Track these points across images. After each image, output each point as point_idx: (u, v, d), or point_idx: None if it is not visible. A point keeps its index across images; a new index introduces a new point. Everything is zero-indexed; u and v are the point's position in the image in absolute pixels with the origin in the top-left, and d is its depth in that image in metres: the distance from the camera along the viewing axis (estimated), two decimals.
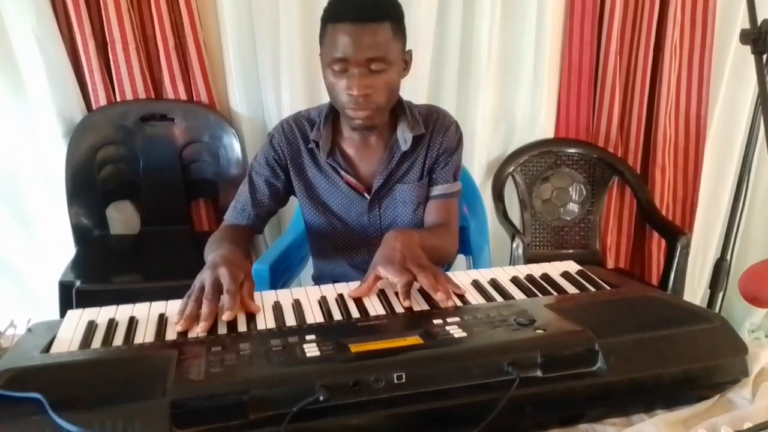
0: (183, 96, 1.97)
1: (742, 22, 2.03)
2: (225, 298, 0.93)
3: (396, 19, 1.13)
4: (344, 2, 1.11)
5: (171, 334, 0.88)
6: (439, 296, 0.95)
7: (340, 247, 1.34)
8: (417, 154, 1.28)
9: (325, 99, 1.25)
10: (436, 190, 1.31)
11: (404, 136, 1.25)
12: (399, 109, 1.27)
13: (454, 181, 1.32)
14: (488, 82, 2.08)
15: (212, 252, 1.08)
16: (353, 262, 1.34)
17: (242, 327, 0.90)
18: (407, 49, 1.20)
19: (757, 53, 0.92)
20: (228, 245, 1.11)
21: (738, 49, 2.09)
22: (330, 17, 1.12)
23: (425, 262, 1.04)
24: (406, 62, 1.20)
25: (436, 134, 1.29)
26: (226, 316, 0.90)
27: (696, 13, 2.05)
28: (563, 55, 2.11)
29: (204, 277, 0.98)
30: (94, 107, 1.93)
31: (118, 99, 1.94)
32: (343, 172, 1.26)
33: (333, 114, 1.26)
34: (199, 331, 0.88)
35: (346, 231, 1.32)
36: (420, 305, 0.96)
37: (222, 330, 0.89)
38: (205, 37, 1.93)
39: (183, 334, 0.88)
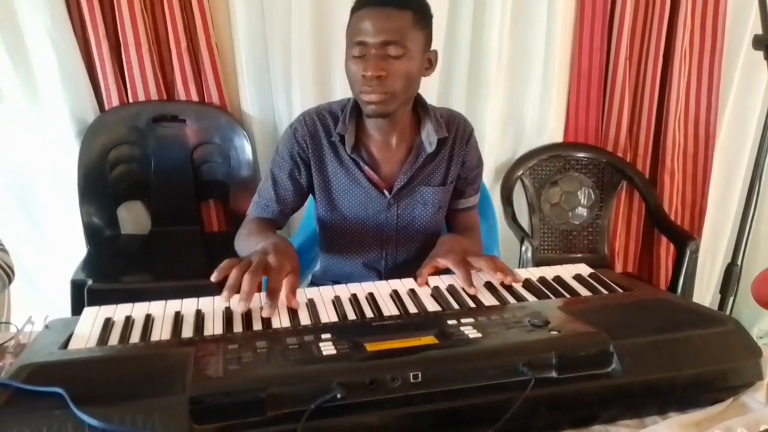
0: (195, 97, 1.99)
1: (753, 27, 2.03)
2: (264, 296, 0.94)
3: (419, 11, 1.15)
4: None
5: (187, 332, 0.88)
6: (498, 276, 1.03)
7: (352, 245, 1.33)
8: (440, 158, 1.29)
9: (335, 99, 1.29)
10: (467, 203, 1.38)
11: (429, 138, 1.25)
12: (422, 110, 1.27)
13: (478, 191, 1.40)
14: (498, 86, 2.09)
15: (258, 241, 1.09)
16: (364, 260, 1.34)
17: (258, 326, 0.90)
18: (432, 48, 1.20)
19: None
20: (276, 236, 1.13)
21: (748, 54, 2.09)
22: (356, 6, 1.15)
23: (481, 254, 1.13)
24: (430, 61, 1.20)
25: (459, 142, 1.31)
26: (265, 313, 0.91)
27: (706, 18, 2.06)
28: (573, 60, 2.11)
29: (252, 257, 0.98)
30: (106, 108, 1.95)
31: (131, 100, 1.95)
32: (365, 167, 1.26)
33: (357, 110, 1.26)
34: (238, 310, 0.90)
35: (360, 228, 1.31)
36: (432, 306, 0.97)
37: (238, 328, 0.89)
38: (217, 40, 1.94)
39: (199, 331, 0.88)
